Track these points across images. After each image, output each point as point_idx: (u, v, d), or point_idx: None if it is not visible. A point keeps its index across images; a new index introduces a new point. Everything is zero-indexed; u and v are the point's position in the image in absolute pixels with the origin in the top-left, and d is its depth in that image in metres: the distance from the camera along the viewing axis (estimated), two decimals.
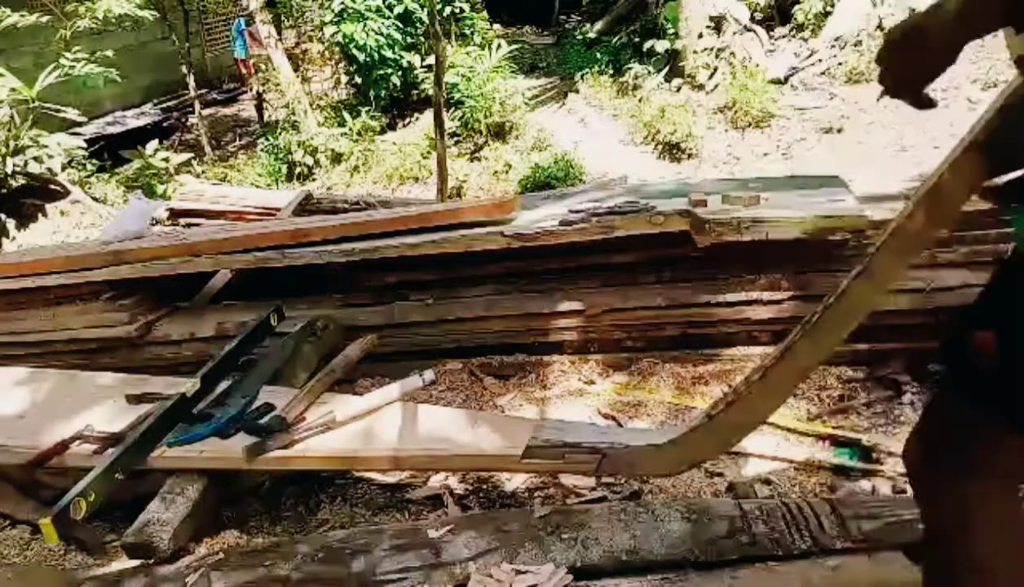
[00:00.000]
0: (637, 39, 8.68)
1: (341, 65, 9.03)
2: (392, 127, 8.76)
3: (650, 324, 2.50)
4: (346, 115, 8.37)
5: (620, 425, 2.21)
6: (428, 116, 7.76)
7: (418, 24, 8.54)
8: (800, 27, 7.67)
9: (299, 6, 9.54)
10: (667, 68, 7.85)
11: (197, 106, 9.00)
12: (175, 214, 3.81)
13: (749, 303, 2.41)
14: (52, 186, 4.84)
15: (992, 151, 1.06)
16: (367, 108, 8.50)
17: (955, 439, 1.06)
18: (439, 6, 7.70)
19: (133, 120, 9.65)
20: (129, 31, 8.67)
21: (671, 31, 7.90)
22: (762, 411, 1.59)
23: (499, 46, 8.33)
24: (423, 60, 8.44)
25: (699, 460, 1.76)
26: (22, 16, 5.57)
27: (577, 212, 2.40)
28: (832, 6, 7.51)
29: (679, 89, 7.62)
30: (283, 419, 1.88)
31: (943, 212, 1.31)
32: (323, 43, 8.99)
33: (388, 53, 8.39)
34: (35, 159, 4.64)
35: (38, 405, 2.22)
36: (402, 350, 2.65)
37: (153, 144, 6.39)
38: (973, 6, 0.94)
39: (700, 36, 7.64)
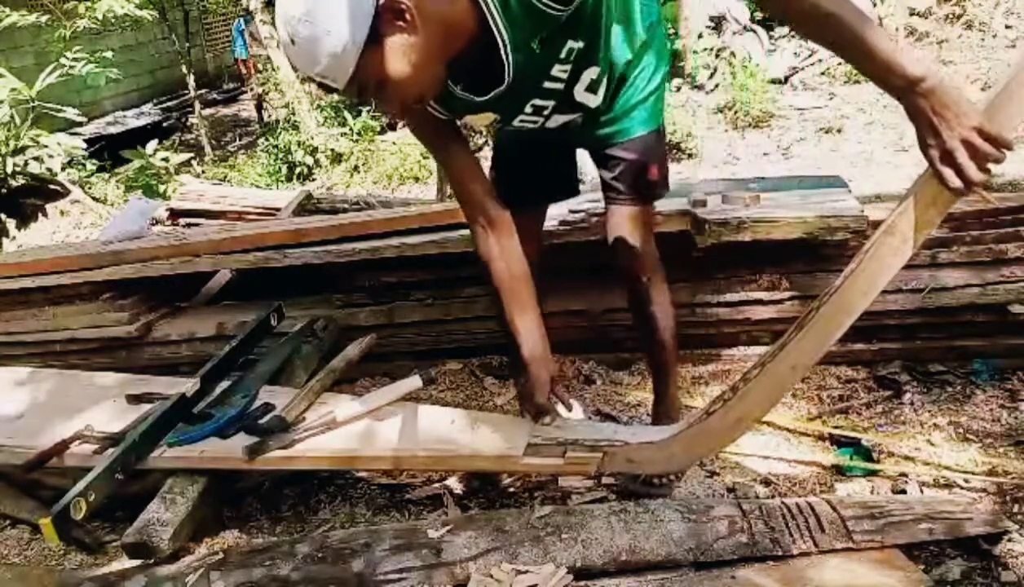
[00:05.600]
0: None
1: None
2: (392, 127, 8.74)
3: None
4: (346, 115, 8.37)
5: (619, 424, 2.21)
6: None
7: None
8: None
9: None
10: None
11: (197, 106, 9.00)
12: (175, 214, 3.81)
13: (749, 303, 2.41)
14: (52, 186, 4.83)
15: None
16: (367, 108, 8.49)
17: None
18: None
19: (133, 120, 9.66)
20: (129, 31, 8.67)
21: (671, 31, 7.89)
22: (760, 408, 1.60)
23: None
24: None
25: (698, 457, 1.77)
26: (22, 16, 5.58)
27: (577, 212, 2.40)
28: None
29: (679, 89, 7.61)
30: (283, 419, 1.88)
31: (931, 214, 1.34)
32: None
33: None
34: (35, 159, 4.64)
35: (38, 405, 2.22)
36: (402, 350, 2.65)
37: (153, 144, 6.38)
38: None
39: (700, 36, 7.64)
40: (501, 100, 1.57)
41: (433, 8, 1.36)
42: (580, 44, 1.55)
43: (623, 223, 1.82)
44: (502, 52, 1.47)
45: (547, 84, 1.60)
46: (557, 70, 1.58)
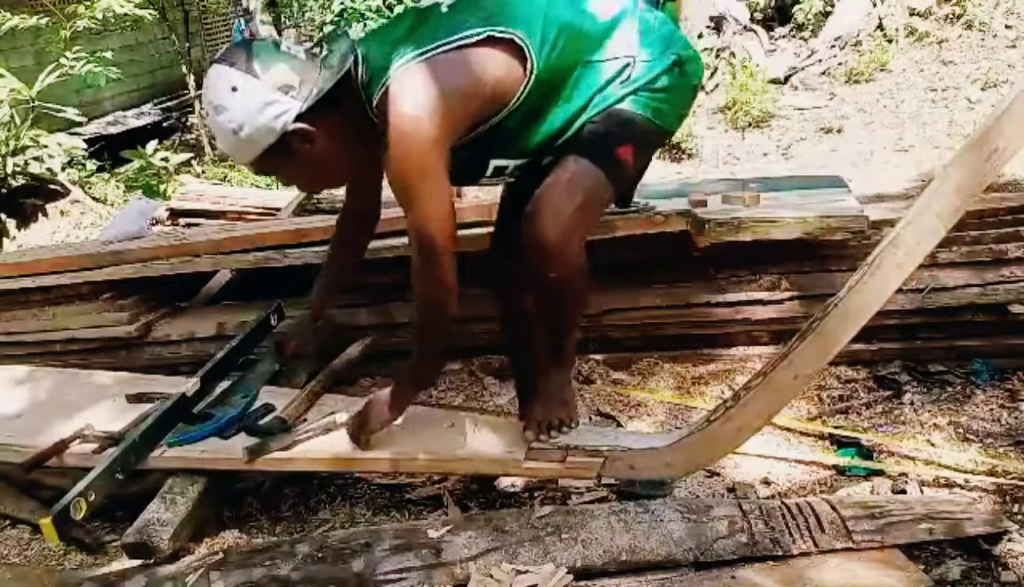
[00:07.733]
0: None
1: None
2: None
3: (650, 324, 2.50)
4: None
5: (620, 425, 2.21)
6: None
7: None
8: (800, 27, 7.66)
9: (300, 6, 9.53)
10: None
11: (197, 106, 8.97)
12: (175, 214, 3.81)
13: (749, 303, 2.41)
14: (52, 186, 4.83)
15: None
16: None
17: None
18: None
19: (133, 120, 9.61)
20: (129, 31, 8.65)
21: None
22: (761, 417, 1.60)
23: None
24: None
25: (699, 464, 1.77)
26: (22, 19, 5.57)
27: None
28: (832, 6, 7.50)
29: None
30: (283, 420, 1.88)
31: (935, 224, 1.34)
32: None
33: None
34: (35, 159, 4.63)
35: (37, 404, 2.22)
36: (402, 350, 2.64)
37: (153, 144, 6.36)
38: None
39: (700, 36, 7.63)
40: None
41: (347, 125, 1.43)
42: (513, 162, 1.49)
43: (555, 186, 1.45)
44: None
45: (484, 181, 1.61)
46: (486, 182, 1.58)
